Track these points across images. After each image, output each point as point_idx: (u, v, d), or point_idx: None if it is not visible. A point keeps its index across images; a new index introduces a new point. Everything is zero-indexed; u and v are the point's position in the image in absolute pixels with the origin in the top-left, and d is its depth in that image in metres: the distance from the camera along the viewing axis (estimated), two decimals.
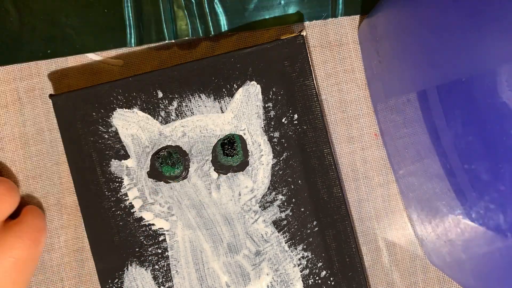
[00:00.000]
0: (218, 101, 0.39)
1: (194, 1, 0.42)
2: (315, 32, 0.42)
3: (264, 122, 0.39)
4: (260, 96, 0.39)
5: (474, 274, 0.36)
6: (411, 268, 0.42)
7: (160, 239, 0.39)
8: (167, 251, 0.39)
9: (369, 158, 0.42)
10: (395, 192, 0.42)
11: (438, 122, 0.31)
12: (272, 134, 0.39)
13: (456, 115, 0.29)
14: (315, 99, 0.39)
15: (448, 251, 0.38)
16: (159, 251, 0.39)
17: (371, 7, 0.42)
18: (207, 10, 0.42)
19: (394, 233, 0.42)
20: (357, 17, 0.42)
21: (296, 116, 0.39)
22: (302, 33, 0.39)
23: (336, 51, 0.42)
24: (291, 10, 0.42)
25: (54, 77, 0.42)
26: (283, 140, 0.39)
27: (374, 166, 0.42)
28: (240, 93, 0.38)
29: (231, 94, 0.38)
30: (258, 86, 0.39)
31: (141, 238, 0.39)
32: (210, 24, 0.42)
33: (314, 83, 0.39)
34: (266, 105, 0.39)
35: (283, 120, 0.39)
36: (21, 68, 0.42)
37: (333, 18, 0.42)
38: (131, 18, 0.42)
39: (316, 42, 0.42)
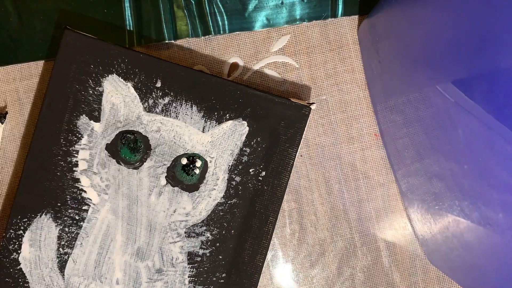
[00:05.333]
0: (205, 120, 0.39)
1: (194, 1, 0.42)
2: (315, 32, 0.42)
3: (233, 162, 0.39)
4: (243, 138, 0.39)
5: (473, 273, 0.36)
6: (411, 268, 0.42)
7: (84, 208, 0.39)
8: (83, 222, 0.39)
9: (369, 158, 0.42)
10: (395, 192, 0.42)
11: (440, 121, 0.31)
12: (233, 176, 0.39)
13: (458, 114, 0.29)
14: (289, 169, 0.39)
15: (448, 251, 0.38)
16: (77, 217, 0.39)
17: (371, 7, 0.42)
18: (207, 10, 0.42)
19: (394, 233, 0.42)
20: (357, 17, 0.42)
21: (264, 173, 0.39)
22: (311, 106, 0.39)
23: (336, 51, 0.42)
24: (291, 10, 0.42)
25: None
26: (240, 187, 0.39)
27: (374, 166, 0.42)
28: (228, 125, 0.39)
29: (219, 121, 0.39)
30: (247, 128, 0.39)
31: (67, 196, 0.39)
32: (210, 24, 0.42)
33: (295, 155, 0.39)
34: (244, 149, 0.39)
35: (250, 170, 0.39)
36: (21, 68, 0.42)
37: (333, 18, 0.42)
38: (131, 18, 0.42)
39: (316, 42, 0.42)
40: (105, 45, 0.38)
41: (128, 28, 0.42)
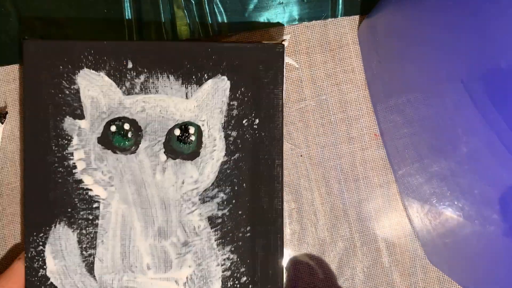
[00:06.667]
0: (185, 87, 0.38)
1: (194, 1, 0.42)
2: (315, 32, 0.42)
3: (225, 119, 0.39)
4: (227, 93, 0.38)
5: (473, 273, 0.36)
6: (411, 268, 0.42)
7: (94, 205, 0.39)
8: (98, 219, 0.39)
9: (369, 158, 0.42)
10: (395, 192, 0.42)
11: (440, 121, 0.31)
12: (229, 132, 0.39)
13: (457, 114, 0.29)
14: (280, 109, 0.39)
15: (448, 251, 0.38)
16: (90, 217, 0.39)
17: (371, 7, 0.42)
18: (207, 10, 0.42)
19: (394, 233, 0.42)
20: (357, 17, 0.42)
21: (257, 121, 0.39)
22: (283, 42, 0.39)
23: (336, 51, 0.42)
24: (291, 10, 0.42)
25: None
26: (239, 141, 0.39)
27: (374, 166, 0.42)
28: (208, 84, 0.38)
29: (199, 83, 0.38)
30: (228, 82, 0.38)
31: (75, 200, 0.39)
32: (210, 24, 0.42)
33: (282, 94, 0.39)
34: (231, 103, 0.39)
35: (243, 122, 0.39)
36: (21, 68, 0.42)
37: (333, 18, 0.42)
38: (131, 18, 0.42)
39: (316, 43, 0.42)
40: (66, 44, 0.38)
41: (128, 28, 0.42)
